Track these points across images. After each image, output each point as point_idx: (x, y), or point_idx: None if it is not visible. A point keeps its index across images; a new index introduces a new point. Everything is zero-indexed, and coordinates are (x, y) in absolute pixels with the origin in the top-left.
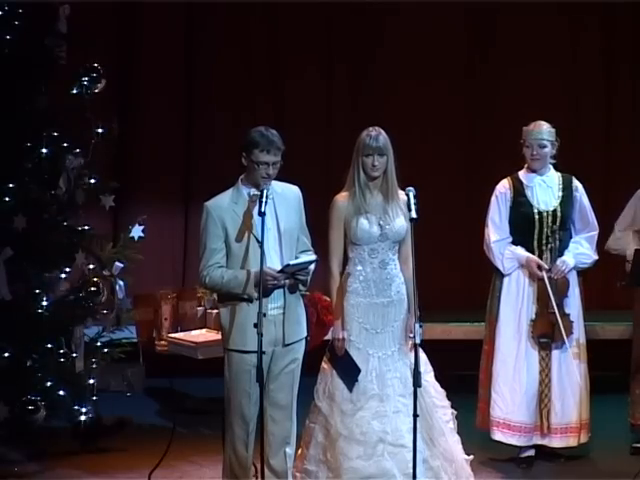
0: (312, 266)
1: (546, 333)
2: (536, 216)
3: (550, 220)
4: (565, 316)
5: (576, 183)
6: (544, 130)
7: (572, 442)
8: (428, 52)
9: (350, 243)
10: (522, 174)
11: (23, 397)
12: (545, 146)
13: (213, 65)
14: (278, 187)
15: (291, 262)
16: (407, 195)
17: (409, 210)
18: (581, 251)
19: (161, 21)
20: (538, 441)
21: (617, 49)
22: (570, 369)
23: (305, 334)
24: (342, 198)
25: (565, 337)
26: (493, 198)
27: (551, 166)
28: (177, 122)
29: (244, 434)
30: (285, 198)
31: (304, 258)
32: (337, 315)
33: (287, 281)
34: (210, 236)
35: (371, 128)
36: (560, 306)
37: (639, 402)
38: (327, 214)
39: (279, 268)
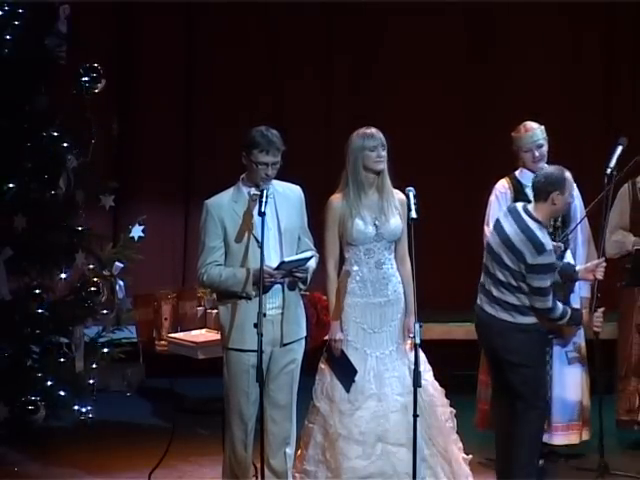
0: (313, 264)
1: (554, 329)
2: None
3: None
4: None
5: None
6: (538, 131)
7: (574, 439)
8: (428, 52)
9: (346, 243)
10: (519, 174)
11: (23, 397)
12: (542, 145)
13: (213, 65)
14: (279, 187)
15: (286, 259)
16: (407, 195)
17: (409, 210)
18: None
19: (161, 21)
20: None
21: (617, 49)
22: (571, 366)
23: (304, 334)
24: (337, 199)
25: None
26: (493, 198)
27: (546, 165)
28: (177, 122)
29: (243, 434)
30: (286, 198)
31: (299, 255)
32: (335, 316)
33: (286, 279)
34: (209, 234)
35: (364, 128)
36: (567, 301)
37: (625, 399)
38: (322, 215)
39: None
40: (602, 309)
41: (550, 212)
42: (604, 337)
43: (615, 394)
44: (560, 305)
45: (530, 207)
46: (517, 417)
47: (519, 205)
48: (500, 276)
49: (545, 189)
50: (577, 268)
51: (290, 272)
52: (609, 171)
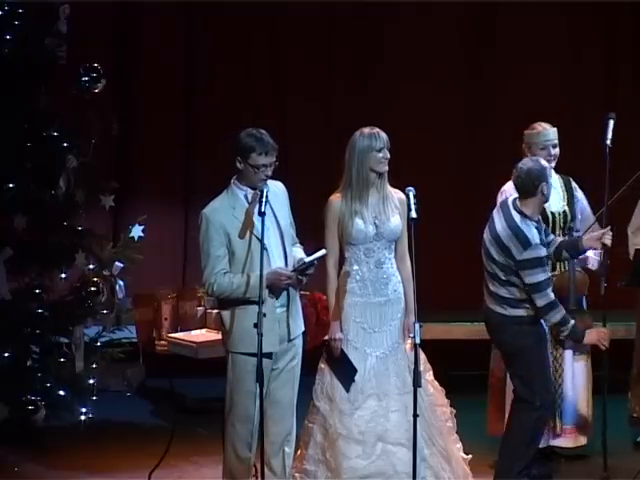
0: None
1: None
2: (549, 217)
3: (562, 221)
4: (585, 313)
5: (574, 184)
6: (553, 130)
7: (583, 441)
8: (428, 53)
9: (346, 243)
10: None
11: (23, 397)
12: (557, 145)
13: (213, 65)
14: (269, 185)
15: (306, 259)
16: (407, 195)
17: (409, 210)
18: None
19: (161, 21)
20: (551, 442)
21: (618, 49)
22: (580, 368)
23: (304, 327)
24: (336, 199)
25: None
26: (503, 198)
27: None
28: (177, 122)
29: (248, 434)
30: (276, 195)
31: (317, 254)
32: (334, 316)
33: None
34: (213, 243)
35: (367, 128)
36: (580, 303)
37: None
38: (322, 215)
39: (283, 266)
40: (607, 330)
41: (539, 204)
42: (613, 337)
43: (632, 394)
44: (564, 310)
45: (519, 202)
46: (511, 414)
47: (510, 199)
48: (490, 269)
49: (532, 184)
50: (582, 237)
51: (302, 272)
52: (608, 143)
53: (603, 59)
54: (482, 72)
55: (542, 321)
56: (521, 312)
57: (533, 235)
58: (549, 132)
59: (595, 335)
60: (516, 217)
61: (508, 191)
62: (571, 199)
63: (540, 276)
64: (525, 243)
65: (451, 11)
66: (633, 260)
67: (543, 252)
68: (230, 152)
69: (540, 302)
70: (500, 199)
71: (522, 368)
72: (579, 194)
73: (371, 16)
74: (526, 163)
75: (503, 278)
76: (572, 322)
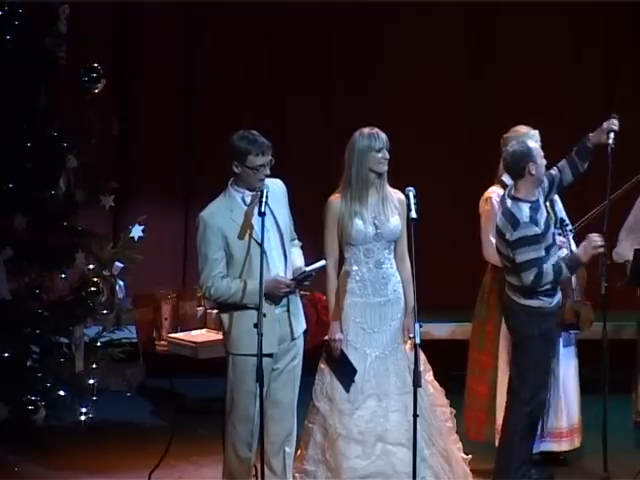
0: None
1: (573, 323)
2: None
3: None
4: (586, 305)
5: None
6: (535, 132)
7: (577, 443)
8: (428, 53)
9: (345, 243)
10: (507, 179)
11: (23, 397)
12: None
13: (213, 65)
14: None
15: (307, 269)
16: (407, 195)
17: (409, 210)
18: None
19: (161, 21)
20: (547, 447)
21: (618, 49)
22: (571, 369)
23: (305, 326)
24: (336, 199)
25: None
26: (489, 207)
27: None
28: (177, 122)
29: (248, 435)
30: (275, 194)
31: (317, 264)
32: (334, 316)
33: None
34: (210, 246)
35: (367, 128)
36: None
37: None
38: (322, 215)
39: (284, 272)
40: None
41: (532, 184)
42: (609, 337)
43: (637, 394)
44: (548, 266)
45: (513, 190)
46: (505, 410)
47: (507, 189)
48: (500, 261)
49: (518, 166)
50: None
51: (300, 281)
52: (610, 142)
53: (603, 59)
54: (482, 72)
55: (540, 290)
56: (531, 302)
57: (522, 215)
58: (533, 134)
59: (585, 248)
60: (508, 202)
61: (493, 198)
62: (552, 201)
63: (530, 254)
64: (514, 223)
65: (451, 11)
66: (633, 260)
67: (534, 230)
68: (226, 157)
69: (527, 278)
70: (486, 207)
71: (520, 357)
72: (556, 195)
73: (371, 16)
74: (513, 145)
75: (510, 267)
76: (562, 265)
